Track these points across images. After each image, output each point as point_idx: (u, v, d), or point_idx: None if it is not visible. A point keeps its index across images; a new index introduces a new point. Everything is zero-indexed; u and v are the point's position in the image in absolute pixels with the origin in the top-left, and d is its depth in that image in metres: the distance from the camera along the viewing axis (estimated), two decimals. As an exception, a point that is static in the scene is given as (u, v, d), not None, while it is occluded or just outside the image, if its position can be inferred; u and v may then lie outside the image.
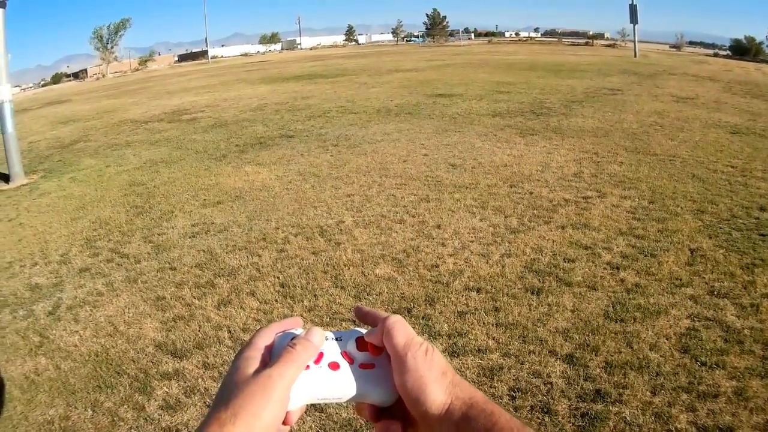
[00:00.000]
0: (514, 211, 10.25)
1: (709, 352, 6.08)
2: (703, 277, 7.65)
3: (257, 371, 0.89)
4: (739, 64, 50.64)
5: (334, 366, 0.97)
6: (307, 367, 0.94)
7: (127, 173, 14.51)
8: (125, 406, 5.62)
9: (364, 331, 1.06)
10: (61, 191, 13.25)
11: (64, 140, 20.04)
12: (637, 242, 8.75)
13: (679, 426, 5.15)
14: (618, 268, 7.99)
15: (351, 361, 1.00)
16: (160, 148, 17.30)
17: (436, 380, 0.93)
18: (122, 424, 5.39)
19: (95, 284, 8.23)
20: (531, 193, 11.23)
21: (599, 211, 10.08)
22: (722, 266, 7.89)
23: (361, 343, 1.02)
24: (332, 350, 1.00)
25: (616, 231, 9.18)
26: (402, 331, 0.98)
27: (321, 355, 0.98)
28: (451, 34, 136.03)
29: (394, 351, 0.96)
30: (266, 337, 0.97)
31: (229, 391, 0.86)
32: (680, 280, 7.61)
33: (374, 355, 1.01)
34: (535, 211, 10.23)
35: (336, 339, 1.03)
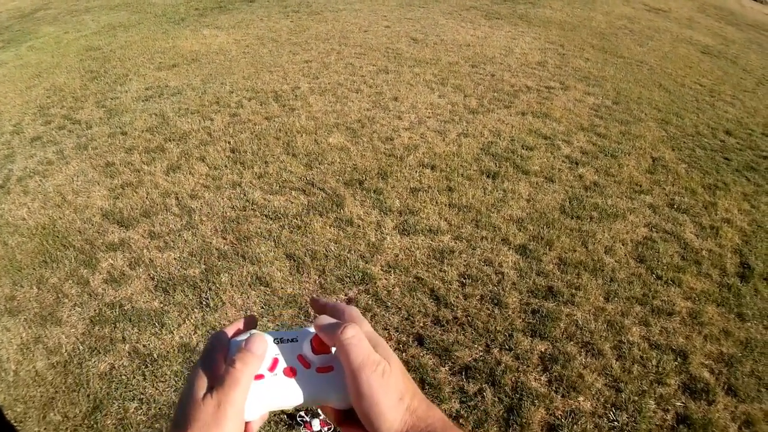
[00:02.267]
0: (474, 92, 9.73)
1: (665, 267, 5.81)
2: (664, 188, 7.33)
3: (207, 394, 0.81)
4: (716, -12, 49.87)
5: (289, 372, 0.89)
6: (262, 376, 0.87)
7: (84, 38, 13.66)
8: (70, 282, 5.38)
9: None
10: (18, 60, 12.42)
11: (24, 10, 18.76)
12: (599, 140, 8.36)
13: (631, 339, 4.88)
14: (577, 164, 7.62)
15: (307, 365, 0.91)
16: (119, 13, 16.36)
17: (392, 407, 0.84)
18: (66, 300, 5.16)
19: (46, 153, 7.79)
20: (493, 75, 10.69)
21: (561, 103, 9.63)
22: (684, 181, 7.56)
23: (317, 344, 0.92)
24: (287, 354, 0.92)
25: (578, 126, 8.77)
26: (357, 347, 0.87)
27: (276, 361, 0.90)
28: None
29: (349, 369, 0.86)
30: (220, 344, 0.90)
31: (184, 417, 0.80)
32: (640, 186, 7.28)
33: (330, 354, 0.93)
34: (495, 93, 9.73)
35: (291, 340, 0.94)
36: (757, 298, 5.61)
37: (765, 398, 4.52)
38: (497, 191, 6.78)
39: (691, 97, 11.10)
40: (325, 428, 4.14)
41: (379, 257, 5.61)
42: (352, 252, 5.66)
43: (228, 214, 6.23)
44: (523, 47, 12.90)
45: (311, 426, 4.13)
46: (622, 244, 6.09)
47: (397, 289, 5.23)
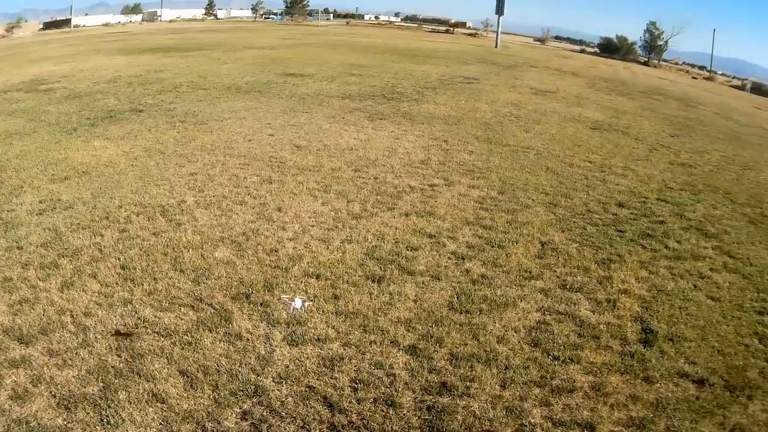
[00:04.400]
0: (357, 196, 10.31)
1: (561, 347, 6.28)
2: (555, 271, 7.87)
3: None
4: (607, 61, 52.16)
5: None
6: None
7: (-21, 146, 13.50)
8: (-26, 400, 5.39)
9: None
10: None
11: None
12: (485, 233, 8.96)
13: (533, 420, 5.25)
14: (463, 258, 8.16)
15: None
16: (16, 120, 16.59)
17: None
18: (-29, 419, 5.18)
19: (-60, 267, 7.68)
20: (376, 178, 11.29)
21: (445, 199, 10.25)
22: (575, 260, 8.14)
23: None
24: None
25: (463, 220, 9.36)
26: None
27: None
28: (310, 14, 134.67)
29: None
30: None
31: None
32: (530, 272, 7.80)
33: None
34: (378, 197, 10.32)
35: None
36: (663, 359, 6.12)
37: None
38: (383, 295, 7.22)
39: (580, 176, 11.89)
40: (306, 304, 4.26)
41: (270, 369, 5.94)
42: (243, 365, 5.98)
43: (121, 332, 6.45)
44: (407, 146, 13.61)
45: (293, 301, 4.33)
46: (515, 332, 6.50)
47: (290, 399, 5.54)
